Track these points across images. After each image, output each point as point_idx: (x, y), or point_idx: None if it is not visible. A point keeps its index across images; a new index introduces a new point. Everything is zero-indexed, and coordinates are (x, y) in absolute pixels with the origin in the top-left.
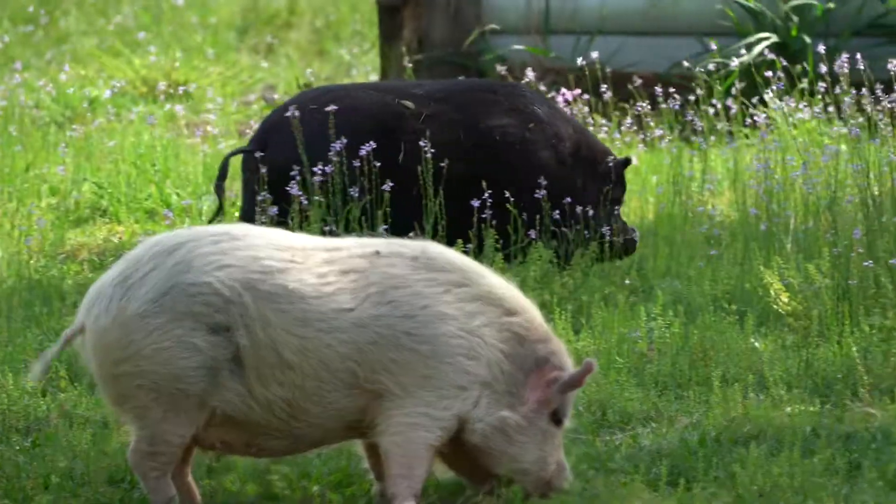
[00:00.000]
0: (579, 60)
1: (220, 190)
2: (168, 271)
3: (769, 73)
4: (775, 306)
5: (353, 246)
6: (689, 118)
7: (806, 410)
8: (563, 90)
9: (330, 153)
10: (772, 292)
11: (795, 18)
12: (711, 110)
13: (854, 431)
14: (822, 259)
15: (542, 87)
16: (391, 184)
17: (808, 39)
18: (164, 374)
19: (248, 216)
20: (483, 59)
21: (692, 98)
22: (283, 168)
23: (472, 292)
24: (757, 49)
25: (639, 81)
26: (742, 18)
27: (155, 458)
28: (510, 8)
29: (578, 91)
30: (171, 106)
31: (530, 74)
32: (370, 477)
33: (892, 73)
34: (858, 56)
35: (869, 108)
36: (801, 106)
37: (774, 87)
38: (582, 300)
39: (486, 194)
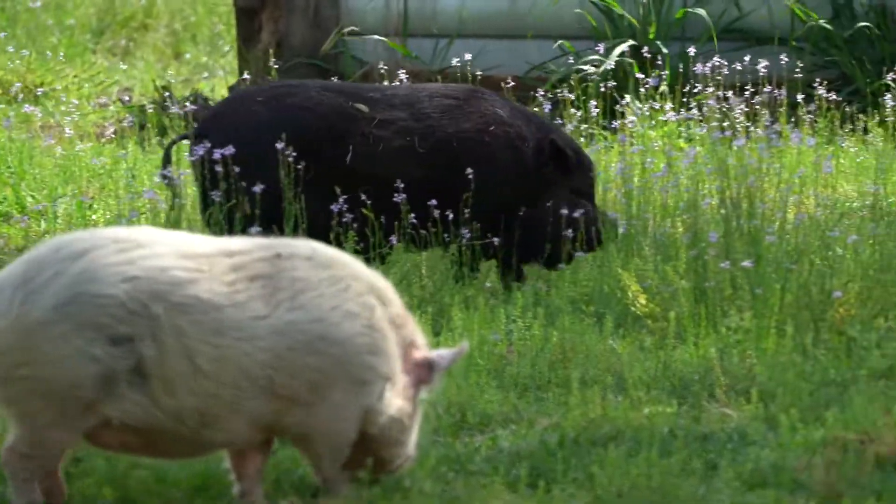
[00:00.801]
0: (451, 61)
1: (167, 179)
2: (73, 279)
3: (639, 76)
4: (633, 308)
5: (254, 249)
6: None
7: (664, 411)
8: None
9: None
10: (630, 294)
11: (653, 22)
12: (579, 113)
13: (711, 432)
14: (680, 261)
15: None
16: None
17: (665, 43)
18: (61, 382)
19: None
20: (342, 62)
21: (559, 99)
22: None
23: (364, 286)
24: (616, 52)
25: (511, 84)
26: (600, 22)
27: (30, 462)
28: (369, 10)
29: None
30: (27, 108)
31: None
32: (231, 478)
33: (748, 75)
34: (717, 59)
35: (737, 111)
36: (662, 108)
37: (641, 90)
38: (443, 302)
39: (341, 199)
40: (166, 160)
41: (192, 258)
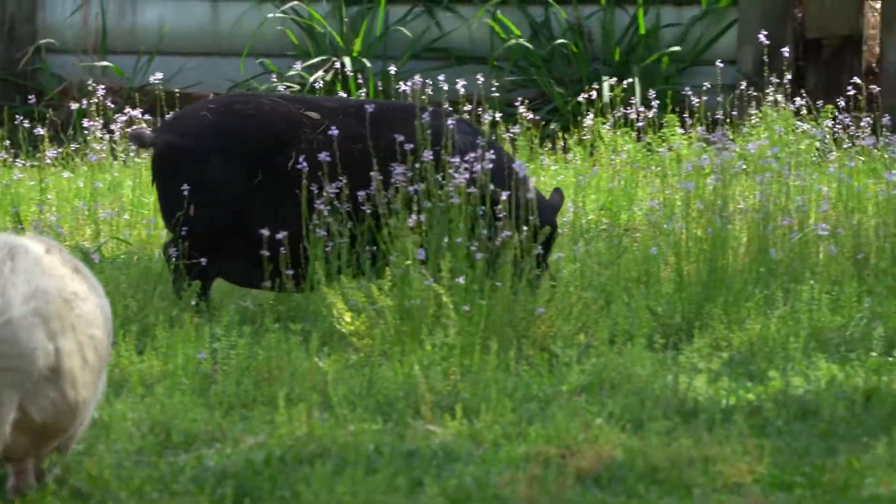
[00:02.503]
0: (151, 78)
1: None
2: (25, 275)
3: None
4: (339, 326)
5: (35, 242)
6: None
7: (369, 429)
8: (128, 109)
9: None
10: (335, 312)
11: (357, 40)
12: None
13: (416, 449)
14: (385, 279)
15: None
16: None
17: (367, 61)
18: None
19: None
20: (40, 78)
21: None
22: (164, 160)
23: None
24: (319, 70)
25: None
26: (302, 40)
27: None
28: (67, 26)
29: (140, 111)
30: None
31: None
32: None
33: (455, 93)
34: (418, 77)
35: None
36: None
37: None
38: (147, 321)
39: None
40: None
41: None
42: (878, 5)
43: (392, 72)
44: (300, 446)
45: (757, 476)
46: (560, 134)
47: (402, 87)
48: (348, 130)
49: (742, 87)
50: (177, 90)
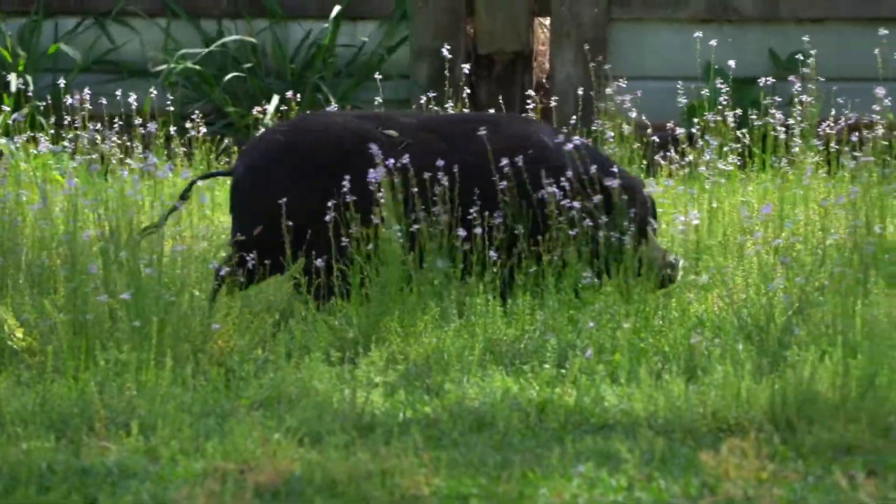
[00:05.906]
0: None
1: (173, 209)
2: None
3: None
4: (10, 342)
5: None
6: None
7: (42, 446)
8: None
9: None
10: (6, 328)
11: (23, 54)
12: None
13: (90, 466)
14: (58, 294)
15: None
16: None
17: (36, 75)
18: None
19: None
20: None
21: None
22: (242, 190)
23: None
24: None
25: None
26: None
27: None
28: None
29: None
30: None
31: None
32: None
33: (128, 107)
34: (87, 91)
35: (108, 143)
36: (33, 140)
37: (9, 122)
38: None
39: None
40: (184, 195)
41: None
42: (548, 22)
43: (62, 85)
44: None
45: (434, 488)
46: (236, 149)
47: (70, 100)
48: (425, 145)
49: (421, 102)
50: None
